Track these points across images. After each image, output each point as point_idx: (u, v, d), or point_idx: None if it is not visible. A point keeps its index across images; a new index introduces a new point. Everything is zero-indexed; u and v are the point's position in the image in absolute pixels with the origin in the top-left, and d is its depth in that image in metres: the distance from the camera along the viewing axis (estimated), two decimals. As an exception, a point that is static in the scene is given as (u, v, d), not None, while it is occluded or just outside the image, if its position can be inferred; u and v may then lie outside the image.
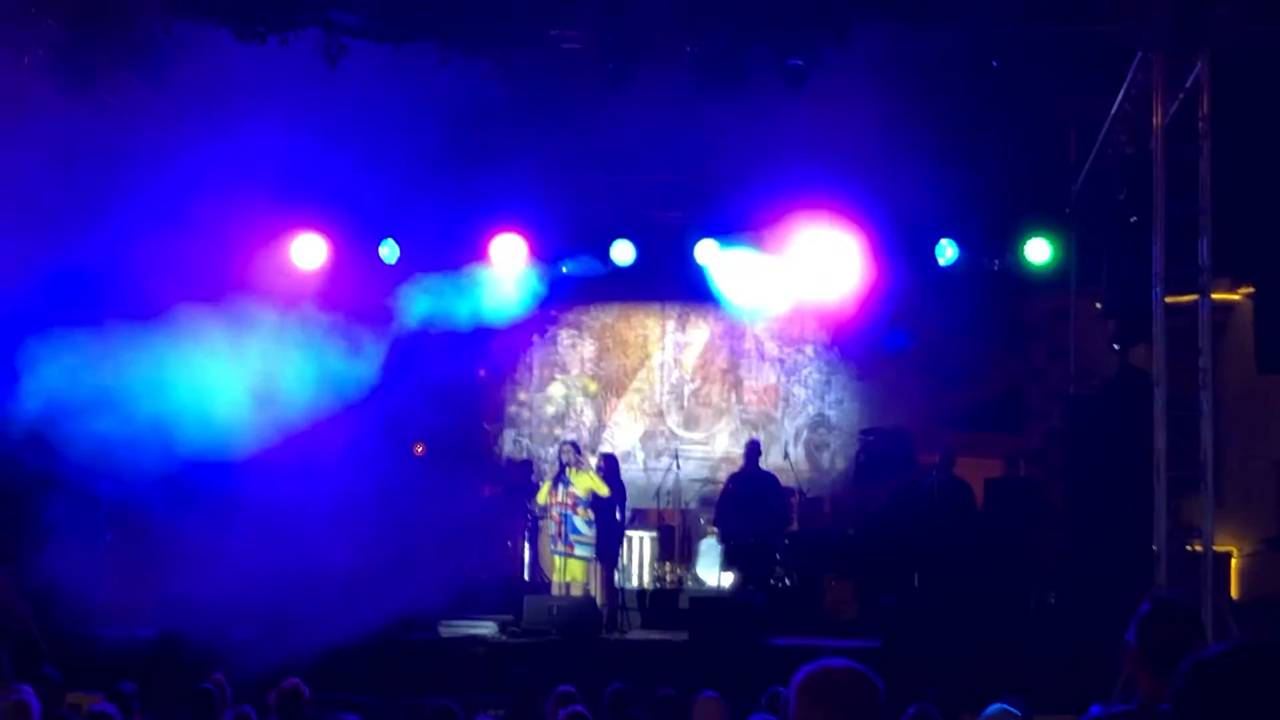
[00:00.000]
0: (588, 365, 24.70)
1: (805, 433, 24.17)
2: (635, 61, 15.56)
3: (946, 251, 22.19)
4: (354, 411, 19.90)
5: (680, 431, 24.38)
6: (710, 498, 22.11)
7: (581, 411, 24.57)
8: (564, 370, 24.74)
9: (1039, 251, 22.02)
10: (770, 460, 21.90)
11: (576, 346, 24.70)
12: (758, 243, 22.40)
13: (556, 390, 24.68)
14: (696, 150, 21.14)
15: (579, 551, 18.65)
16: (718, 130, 19.71)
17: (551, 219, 22.53)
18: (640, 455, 24.32)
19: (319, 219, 22.79)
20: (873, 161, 21.55)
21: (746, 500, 19.68)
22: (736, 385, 24.37)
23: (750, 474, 20.12)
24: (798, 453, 23.67)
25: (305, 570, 18.49)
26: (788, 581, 20.80)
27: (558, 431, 24.25)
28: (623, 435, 24.47)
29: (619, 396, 24.62)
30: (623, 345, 24.69)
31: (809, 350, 24.37)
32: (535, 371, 24.86)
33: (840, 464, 23.97)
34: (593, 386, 24.57)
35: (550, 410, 24.67)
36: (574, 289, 23.48)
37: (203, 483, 17.61)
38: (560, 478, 18.97)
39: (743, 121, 19.06)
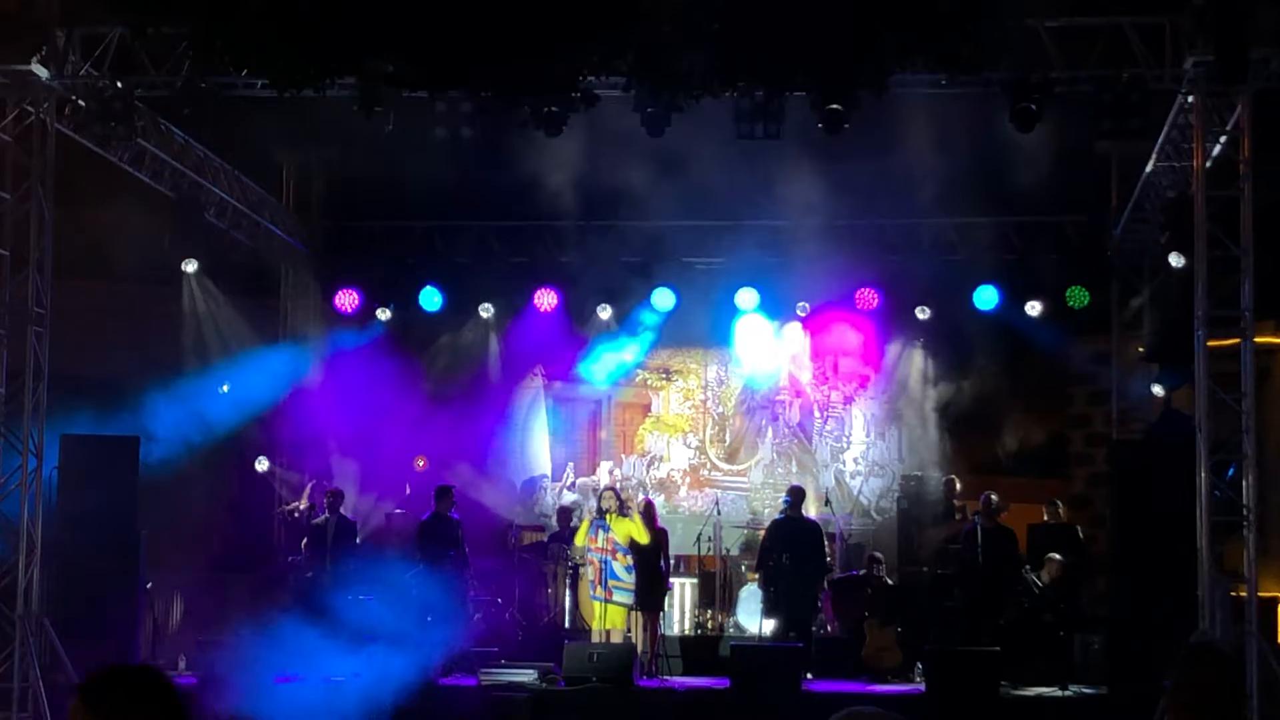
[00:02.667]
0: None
1: (839, 468, 24.19)
2: (674, 109, 15.54)
3: (986, 297, 22.17)
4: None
5: (721, 464, 24.47)
6: (751, 543, 22.03)
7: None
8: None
9: (1080, 296, 21.95)
10: (808, 502, 22.00)
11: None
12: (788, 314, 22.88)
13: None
14: (736, 196, 21.24)
15: (618, 597, 18.49)
16: (756, 176, 19.81)
17: (591, 267, 22.73)
18: (683, 489, 24.57)
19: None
20: (910, 206, 21.62)
21: (788, 547, 19.54)
22: (773, 421, 24.41)
23: (791, 520, 19.97)
24: (834, 491, 23.63)
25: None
26: (830, 628, 20.68)
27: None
28: (673, 468, 24.83)
29: (673, 434, 24.85)
30: (673, 385, 24.85)
31: (846, 390, 24.39)
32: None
33: (880, 506, 23.93)
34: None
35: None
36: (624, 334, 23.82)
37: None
38: (599, 522, 18.84)
39: (779, 168, 19.13)
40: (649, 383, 24.95)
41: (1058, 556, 19.27)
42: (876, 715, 4.37)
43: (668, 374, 24.91)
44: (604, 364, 24.39)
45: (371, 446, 22.79)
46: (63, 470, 17.82)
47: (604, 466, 24.69)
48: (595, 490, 23.09)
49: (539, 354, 24.29)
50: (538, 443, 24.79)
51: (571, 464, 24.59)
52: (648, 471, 24.64)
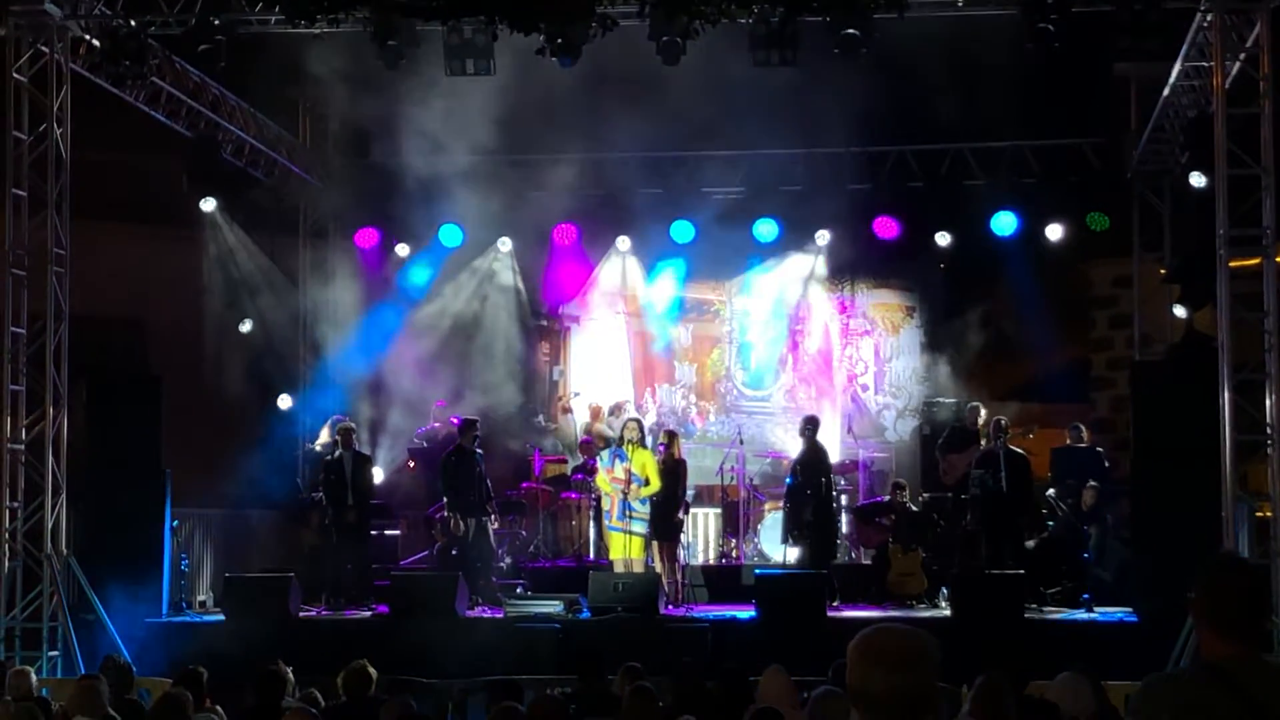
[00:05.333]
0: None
1: (858, 392, 24.21)
2: (689, 35, 15.44)
3: (1005, 222, 22.07)
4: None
5: (746, 390, 24.60)
6: (773, 473, 22.15)
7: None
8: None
9: (1100, 220, 21.85)
10: (831, 430, 22.07)
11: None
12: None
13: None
14: (752, 125, 21.14)
15: (636, 527, 18.46)
16: (772, 105, 19.71)
17: (608, 201, 22.70)
18: (711, 414, 24.80)
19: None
20: (927, 132, 21.51)
21: (817, 475, 19.50)
22: (794, 348, 24.44)
23: (805, 452, 19.87)
24: (856, 416, 23.66)
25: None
26: (854, 555, 20.73)
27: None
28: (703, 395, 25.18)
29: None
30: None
31: (865, 316, 24.46)
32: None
33: (899, 428, 23.98)
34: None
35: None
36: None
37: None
38: (618, 452, 18.76)
39: (795, 95, 19.01)
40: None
41: (1095, 484, 19.38)
42: (906, 630, 4.38)
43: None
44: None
45: (394, 383, 22.79)
46: (87, 410, 17.88)
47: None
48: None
49: (561, 288, 24.31)
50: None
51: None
52: (680, 399, 24.72)
